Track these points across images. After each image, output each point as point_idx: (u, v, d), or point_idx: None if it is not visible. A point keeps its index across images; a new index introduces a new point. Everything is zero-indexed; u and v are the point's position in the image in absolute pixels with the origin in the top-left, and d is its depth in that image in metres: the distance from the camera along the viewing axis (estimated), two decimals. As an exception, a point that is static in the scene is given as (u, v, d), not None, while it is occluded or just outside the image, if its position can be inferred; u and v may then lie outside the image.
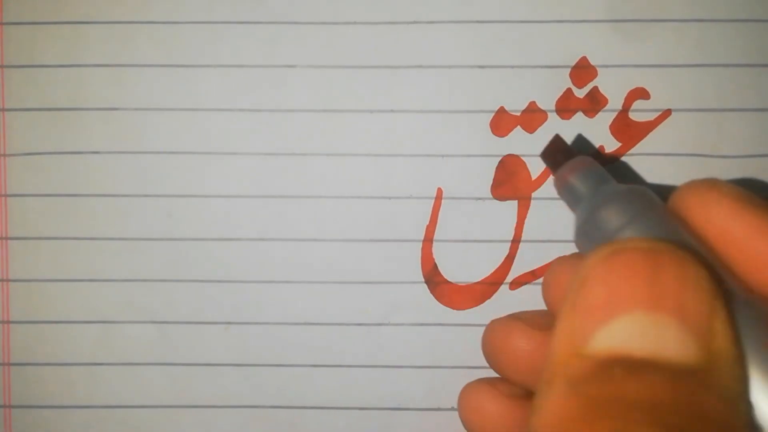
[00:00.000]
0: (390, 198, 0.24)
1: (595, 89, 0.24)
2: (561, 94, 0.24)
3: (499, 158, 0.24)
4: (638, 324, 0.11)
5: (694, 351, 0.10)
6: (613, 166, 0.24)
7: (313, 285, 0.24)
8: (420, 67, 0.24)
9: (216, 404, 0.24)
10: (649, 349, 0.10)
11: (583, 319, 0.11)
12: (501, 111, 0.24)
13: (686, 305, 0.11)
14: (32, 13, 0.24)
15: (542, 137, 0.24)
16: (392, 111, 0.24)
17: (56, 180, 0.24)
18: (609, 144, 0.24)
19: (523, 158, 0.24)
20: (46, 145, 0.24)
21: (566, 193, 0.18)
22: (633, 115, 0.24)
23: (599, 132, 0.24)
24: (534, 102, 0.24)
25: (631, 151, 0.24)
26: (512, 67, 0.24)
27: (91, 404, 0.25)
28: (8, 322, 0.24)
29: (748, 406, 0.10)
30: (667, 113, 0.24)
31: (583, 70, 0.24)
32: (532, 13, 0.24)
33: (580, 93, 0.24)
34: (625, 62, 0.24)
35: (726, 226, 0.14)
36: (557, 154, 0.19)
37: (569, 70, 0.24)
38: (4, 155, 0.24)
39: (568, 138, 0.24)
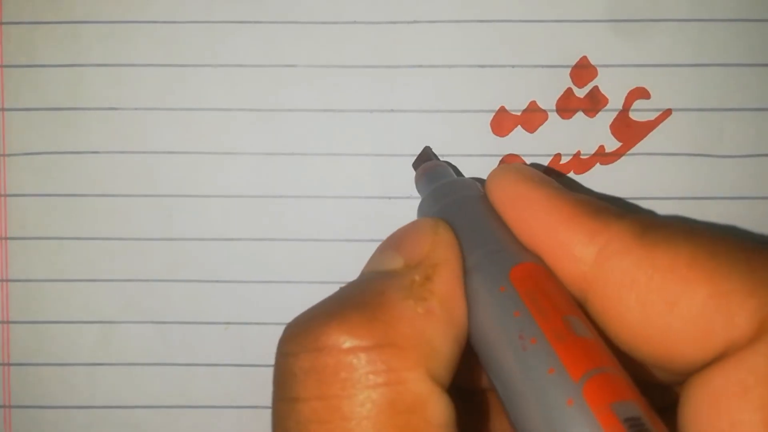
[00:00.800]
0: (390, 198, 0.24)
1: (596, 89, 0.24)
2: (561, 93, 0.24)
3: (500, 158, 0.24)
4: (374, 257, 0.17)
5: (399, 263, 0.16)
6: (614, 165, 0.24)
7: (313, 285, 0.24)
8: (420, 66, 0.24)
9: (215, 404, 0.24)
10: (374, 268, 0.16)
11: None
12: (501, 110, 0.24)
13: (402, 241, 0.16)
14: (31, 12, 0.24)
15: (543, 137, 0.24)
16: (392, 111, 0.24)
17: (55, 180, 0.24)
18: (609, 143, 0.24)
19: (524, 158, 0.24)
20: (46, 145, 0.24)
21: (418, 188, 0.22)
22: (633, 115, 0.24)
23: (599, 131, 0.24)
24: (534, 102, 0.24)
25: (632, 150, 0.24)
26: (513, 66, 0.24)
27: (91, 404, 0.24)
28: (8, 322, 0.24)
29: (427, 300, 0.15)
30: (667, 113, 0.24)
31: (583, 70, 0.24)
32: (532, 13, 0.24)
33: (581, 93, 0.24)
34: (626, 62, 0.24)
35: (514, 202, 0.17)
36: (421, 161, 0.23)
37: (569, 69, 0.24)
38: (4, 155, 0.24)
39: (562, 135, 0.24)
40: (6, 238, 0.24)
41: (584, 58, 0.24)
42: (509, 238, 0.16)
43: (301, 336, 0.15)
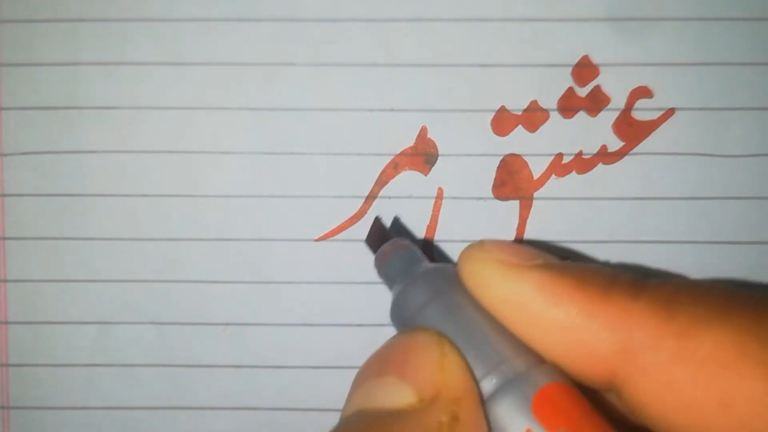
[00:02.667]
0: (390, 198, 0.24)
1: (597, 88, 0.24)
2: (563, 93, 0.24)
3: (501, 158, 0.24)
4: (371, 385, 0.14)
5: (410, 397, 0.13)
6: (617, 165, 0.24)
7: (312, 285, 0.24)
8: (420, 65, 0.24)
9: (214, 405, 0.24)
10: (376, 402, 0.14)
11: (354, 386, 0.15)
12: (502, 110, 0.24)
13: (406, 365, 0.14)
14: (28, 11, 0.24)
15: (544, 136, 0.24)
16: (392, 110, 0.24)
17: (53, 179, 0.24)
18: (612, 143, 0.24)
19: (525, 158, 0.24)
20: (43, 145, 0.24)
21: (383, 274, 0.19)
22: (636, 114, 0.24)
23: (602, 131, 0.24)
24: (535, 101, 0.24)
25: (635, 150, 0.24)
26: (513, 65, 0.24)
27: (89, 405, 0.24)
28: (6, 322, 0.24)
29: None
30: (670, 112, 0.24)
31: (585, 69, 0.24)
32: (533, 12, 0.24)
33: (582, 92, 0.24)
34: (628, 61, 0.24)
35: (489, 290, 0.15)
36: (376, 236, 0.20)
37: (571, 68, 0.24)
38: (1, 155, 0.24)
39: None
40: (3, 238, 0.24)
41: (586, 57, 0.24)
42: (518, 350, 0.15)
43: None
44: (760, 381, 0.12)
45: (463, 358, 0.14)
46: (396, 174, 0.24)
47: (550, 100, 0.24)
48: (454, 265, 0.17)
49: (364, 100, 0.24)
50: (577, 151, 0.24)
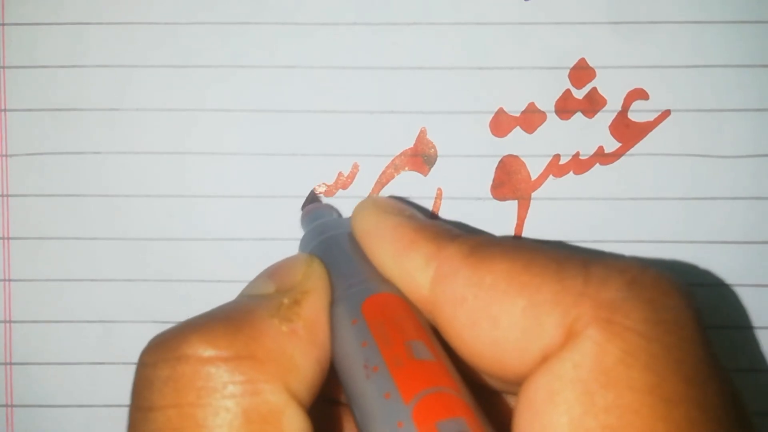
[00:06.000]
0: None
1: (594, 90, 0.24)
2: (560, 94, 0.24)
3: (499, 158, 0.24)
4: (251, 283, 0.18)
5: (271, 288, 0.17)
6: (612, 166, 0.24)
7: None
8: (420, 68, 0.24)
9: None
10: (249, 291, 0.17)
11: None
12: (500, 112, 0.24)
13: (277, 270, 0.18)
14: (33, 14, 0.24)
15: (542, 137, 0.24)
16: (392, 112, 0.24)
17: (57, 180, 0.24)
18: (609, 144, 0.24)
19: (523, 158, 0.24)
20: (47, 146, 0.24)
21: (302, 228, 0.23)
22: (632, 116, 0.24)
23: (599, 132, 0.24)
24: (533, 103, 0.24)
25: (631, 151, 0.24)
26: (511, 68, 0.24)
27: (93, 403, 0.25)
28: (10, 321, 0.24)
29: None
30: (666, 113, 0.24)
31: (582, 71, 0.24)
32: (530, 15, 0.24)
33: (579, 94, 0.24)
34: (624, 63, 0.24)
35: (367, 235, 0.18)
36: (307, 203, 0.24)
37: (568, 71, 0.24)
38: (6, 156, 0.24)
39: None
40: (8, 238, 0.24)
41: (583, 59, 0.24)
42: (369, 271, 0.18)
43: (162, 345, 0.15)
44: (519, 299, 0.14)
45: (327, 273, 0.18)
46: (396, 174, 0.24)
47: (547, 102, 0.24)
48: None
49: (365, 102, 0.24)
50: (574, 152, 0.24)
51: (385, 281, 0.17)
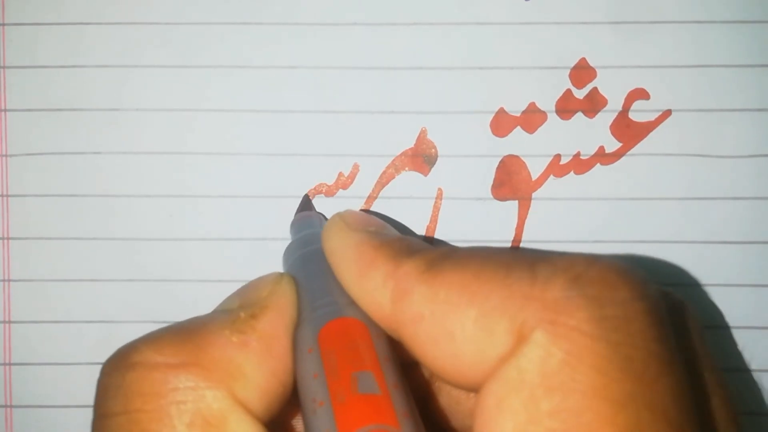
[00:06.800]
0: (390, 198, 0.24)
1: (595, 90, 0.24)
2: (561, 94, 0.24)
3: (500, 158, 0.24)
4: (222, 302, 0.18)
5: (236, 304, 0.17)
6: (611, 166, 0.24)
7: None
8: (420, 68, 0.24)
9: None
10: (218, 308, 0.18)
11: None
12: (501, 112, 0.24)
13: (246, 288, 0.18)
14: (34, 14, 0.24)
15: (543, 137, 0.24)
16: (392, 112, 0.24)
17: (57, 180, 0.24)
18: (609, 144, 0.24)
19: (524, 158, 0.24)
20: (48, 146, 0.24)
21: (291, 233, 0.23)
22: (633, 116, 0.24)
23: (599, 132, 0.24)
24: (534, 103, 0.24)
25: (632, 151, 0.24)
26: (512, 68, 0.24)
27: (92, 404, 0.24)
28: (9, 321, 0.24)
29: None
30: (667, 113, 0.24)
31: (582, 71, 0.24)
32: (531, 15, 0.24)
33: (580, 94, 0.24)
34: (625, 63, 0.24)
35: (333, 254, 0.18)
36: (300, 209, 0.24)
37: (569, 71, 0.24)
38: (6, 156, 0.24)
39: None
40: (8, 238, 0.24)
41: (583, 59, 0.24)
42: (336, 292, 0.17)
43: (116, 355, 0.16)
44: (471, 309, 0.14)
45: (294, 293, 0.18)
46: (396, 175, 0.24)
47: (548, 102, 0.24)
48: None
49: (365, 102, 0.24)
50: (575, 152, 0.24)
51: (351, 303, 0.17)
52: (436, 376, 0.16)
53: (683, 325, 0.16)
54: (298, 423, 0.19)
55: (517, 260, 0.15)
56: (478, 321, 0.14)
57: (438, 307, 0.15)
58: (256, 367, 0.16)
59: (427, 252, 0.16)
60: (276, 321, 0.17)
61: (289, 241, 0.21)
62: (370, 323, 0.16)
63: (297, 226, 0.22)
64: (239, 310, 0.17)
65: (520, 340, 0.13)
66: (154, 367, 0.15)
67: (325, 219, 0.23)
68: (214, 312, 0.17)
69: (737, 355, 0.24)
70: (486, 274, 0.14)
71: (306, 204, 0.24)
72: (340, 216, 0.19)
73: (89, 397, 0.24)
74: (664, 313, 0.14)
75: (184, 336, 0.16)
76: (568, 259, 0.14)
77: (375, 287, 0.16)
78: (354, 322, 0.16)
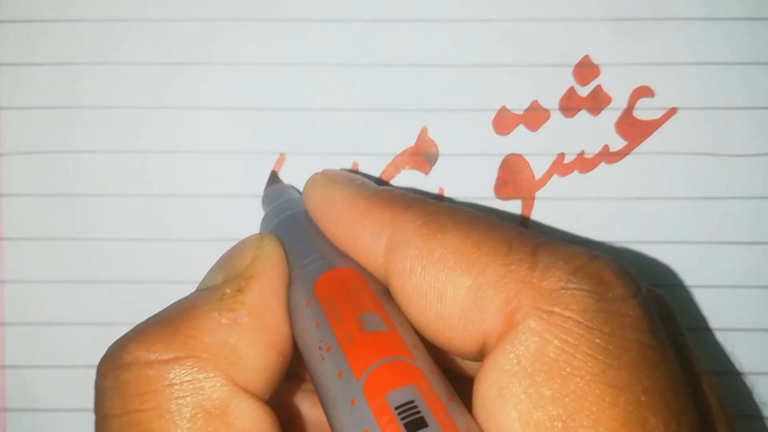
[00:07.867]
0: (391, 198, 0.24)
1: (598, 88, 0.24)
2: (564, 92, 0.24)
3: (502, 157, 0.24)
4: (206, 275, 0.18)
5: (219, 278, 0.17)
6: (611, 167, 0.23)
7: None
8: (421, 65, 0.24)
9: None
10: (201, 285, 0.17)
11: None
12: (503, 110, 0.24)
13: (227, 257, 0.18)
14: (27, 10, 0.24)
15: (546, 136, 0.24)
16: (393, 110, 0.24)
17: (51, 179, 0.24)
18: (614, 142, 0.24)
19: (527, 157, 0.24)
20: (41, 144, 0.24)
21: (263, 210, 0.22)
22: (638, 113, 0.24)
23: (604, 130, 0.24)
24: (537, 101, 0.24)
25: (637, 149, 0.24)
26: (514, 65, 0.24)
27: (87, 407, 0.24)
28: (3, 323, 0.24)
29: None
30: (672, 111, 0.24)
31: (585, 69, 0.24)
32: (533, 12, 0.24)
33: (583, 91, 0.24)
34: (629, 60, 0.24)
35: (319, 209, 0.18)
36: (268, 185, 0.24)
37: (572, 68, 0.24)
38: (-1, 154, 0.24)
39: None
40: (1, 239, 0.24)
41: (587, 56, 0.24)
42: (324, 247, 0.17)
43: (107, 355, 0.16)
44: (466, 277, 0.14)
45: (279, 252, 0.17)
46: (396, 173, 0.24)
47: (551, 100, 0.24)
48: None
49: (365, 99, 0.24)
50: (579, 151, 0.24)
51: (341, 255, 0.17)
52: (418, 331, 0.16)
53: (671, 325, 0.16)
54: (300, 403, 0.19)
55: (520, 240, 0.15)
56: (471, 291, 0.14)
57: (432, 266, 0.15)
58: (251, 344, 0.16)
59: (425, 204, 0.16)
60: (265, 289, 0.16)
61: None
62: (363, 271, 0.16)
63: (270, 198, 0.22)
64: (224, 285, 0.16)
65: (512, 324, 0.14)
66: (148, 365, 0.15)
67: (296, 190, 0.23)
68: (199, 291, 0.17)
69: (740, 356, 0.24)
70: (487, 246, 0.14)
71: (274, 178, 0.24)
72: (322, 173, 0.19)
73: (84, 400, 0.24)
74: (654, 311, 0.14)
75: (172, 328, 0.15)
76: (570, 251, 0.14)
77: (370, 235, 0.16)
78: (348, 271, 0.16)
